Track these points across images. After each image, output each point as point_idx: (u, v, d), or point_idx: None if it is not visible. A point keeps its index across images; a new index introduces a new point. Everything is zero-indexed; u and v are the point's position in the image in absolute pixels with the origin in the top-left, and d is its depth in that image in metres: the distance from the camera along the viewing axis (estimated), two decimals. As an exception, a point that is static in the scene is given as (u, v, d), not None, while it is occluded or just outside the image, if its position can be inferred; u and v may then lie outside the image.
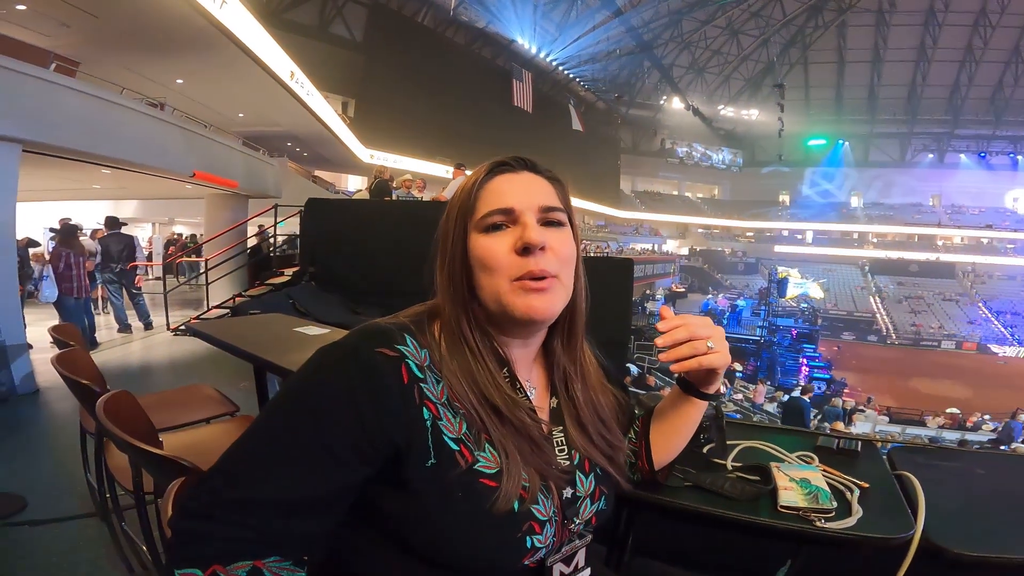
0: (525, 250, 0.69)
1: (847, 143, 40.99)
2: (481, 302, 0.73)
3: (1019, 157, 36.33)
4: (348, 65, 19.73)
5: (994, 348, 27.85)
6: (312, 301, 5.72)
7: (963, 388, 20.52)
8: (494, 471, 0.67)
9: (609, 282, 5.36)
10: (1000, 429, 11.69)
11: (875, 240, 38.84)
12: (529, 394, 0.77)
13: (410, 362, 0.67)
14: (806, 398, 9.32)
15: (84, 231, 7.66)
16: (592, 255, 16.30)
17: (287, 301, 5.58)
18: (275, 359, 1.98)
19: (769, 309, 20.89)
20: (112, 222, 7.16)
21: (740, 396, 13.40)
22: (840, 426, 9.88)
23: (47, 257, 6.01)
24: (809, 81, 39.24)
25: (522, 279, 0.69)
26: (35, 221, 11.42)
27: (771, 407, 12.51)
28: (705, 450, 1.28)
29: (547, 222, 0.73)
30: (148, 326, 7.27)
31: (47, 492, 2.62)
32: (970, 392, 19.83)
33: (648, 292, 26.46)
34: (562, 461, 0.76)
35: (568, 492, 0.74)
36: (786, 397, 13.57)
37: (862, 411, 13.06)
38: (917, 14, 32.31)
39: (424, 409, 0.66)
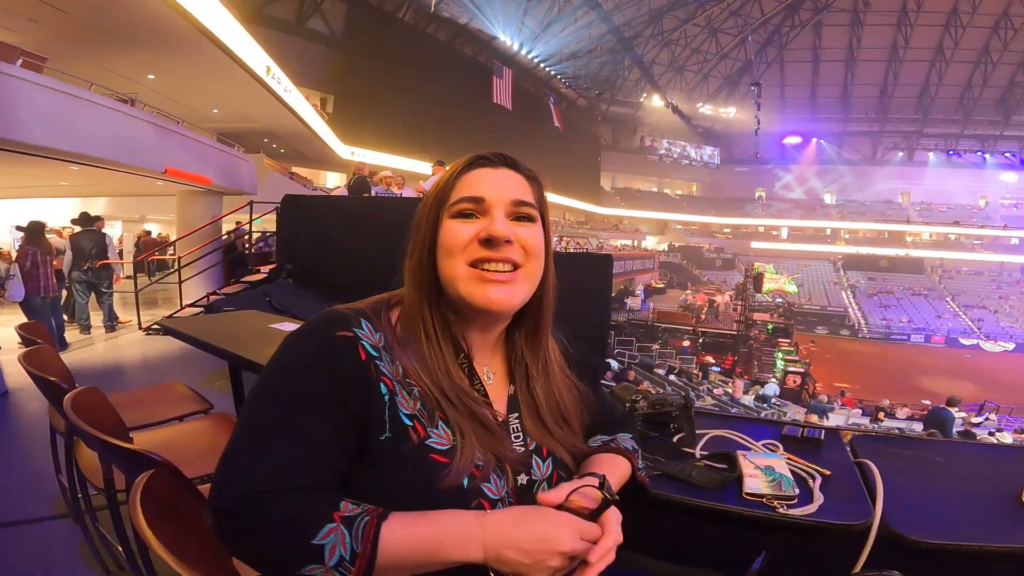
0: (488, 241, 0.71)
1: (821, 141, 41.76)
2: (442, 288, 0.75)
3: (987, 155, 37.34)
4: (327, 61, 19.47)
5: (963, 341, 28.62)
6: (289, 299, 5.63)
7: (933, 380, 21.06)
8: (446, 447, 0.69)
9: (588, 278, 5.37)
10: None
11: (847, 236, 39.70)
12: (487, 379, 0.79)
13: (364, 343, 0.69)
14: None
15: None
16: (572, 251, 16.38)
17: (263, 299, 5.49)
18: (250, 355, 1.94)
19: (746, 304, 21.23)
20: (84, 218, 6.94)
21: (720, 391, 13.62)
22: (815, 418, 10.08)
23: (13, 256, 5.83)
24: (785, 80, 39.87)
25: (478, 266, 0.72)
26: (1, 219, 11.09)
27: (748, 400, 12.71)
28: (675, 439, 1.30)
29: (517, 216, 0.75)
30: (111, 328, 6.98)
31: (18, 494, 2.55)
32: (940, 385, 20.35)
33: (627, 287, 26.64)
34: (517, 448, 0.77)
35: (523, 479, 0.75)
36: (763, 390, 13.81)
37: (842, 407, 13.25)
38: (891, 14, 32.99)
39: (381, 384, 0.69)
